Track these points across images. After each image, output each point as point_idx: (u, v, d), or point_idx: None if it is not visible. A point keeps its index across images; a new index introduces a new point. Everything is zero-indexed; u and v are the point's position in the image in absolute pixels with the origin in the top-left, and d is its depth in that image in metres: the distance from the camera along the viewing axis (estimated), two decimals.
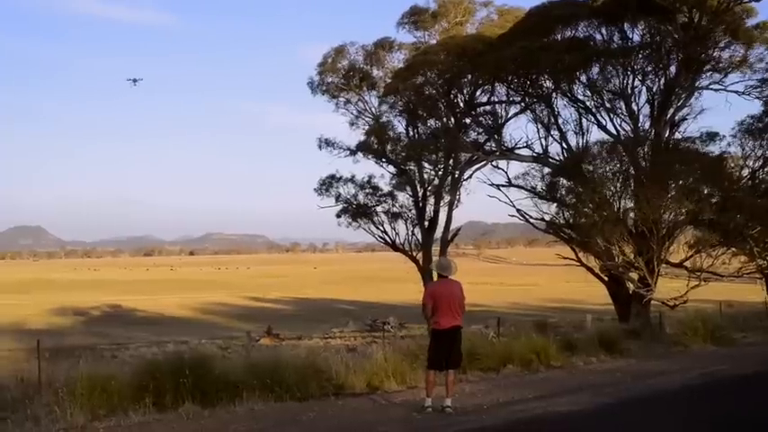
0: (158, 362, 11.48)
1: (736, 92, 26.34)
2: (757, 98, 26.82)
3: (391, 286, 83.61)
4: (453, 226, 32.44)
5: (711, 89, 26.05)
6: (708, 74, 25.86)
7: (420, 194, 32.72)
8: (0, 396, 11.17)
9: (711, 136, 25.80)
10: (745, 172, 26.88)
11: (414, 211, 32.99)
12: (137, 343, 35.52)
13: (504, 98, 29.29)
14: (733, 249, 24.70)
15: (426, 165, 32.46)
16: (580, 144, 26.46)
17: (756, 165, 26.97)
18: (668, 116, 25.20)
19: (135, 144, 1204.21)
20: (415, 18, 33.16)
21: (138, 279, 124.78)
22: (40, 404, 10.34)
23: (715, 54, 25.68)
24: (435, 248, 33.29)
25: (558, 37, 26.01)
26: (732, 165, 26.88)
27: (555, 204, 26.57)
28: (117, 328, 48.48)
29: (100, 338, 39.58)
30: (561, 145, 26.75)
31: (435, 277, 10.99)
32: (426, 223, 32.80)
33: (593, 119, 26.25)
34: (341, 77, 33.41)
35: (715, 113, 28.44)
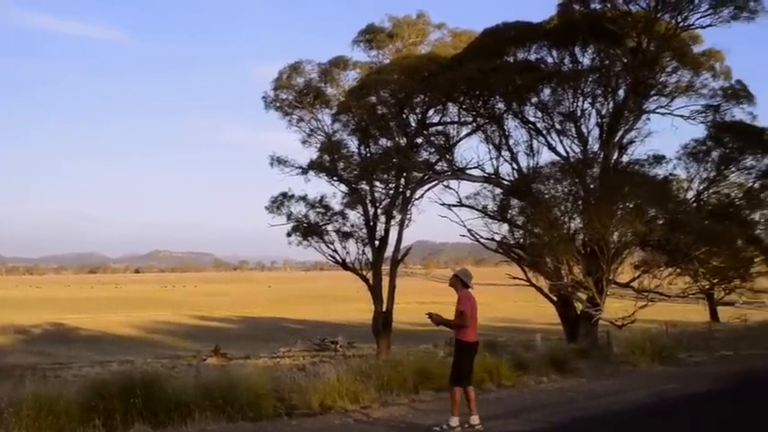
0: (107, 381, 11.18)
1: (681, 116, 26.96)
2: (702, 123, 27.58)
3: (339, 305, 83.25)
4: (403, 245, 32.51)
5: (658, 113, 26.60)
6: (655, 98, 26.41)
7: (371, 214, 32.62)
8: None
9: (658, 159, 26.40)
10: (690, 194, 27.51)
11: (364, 231, 32.86)
12: (80, 362, 34.82)
13: (456, 118, 29.50)
14: (678, 270, 25.10)
15: (378, 184, 32.42)
16: (531, 165, 26.80)
17: (701, 187, 27.65)
18: (616, 139, 25.62)
19: (79, 159, 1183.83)
20: (370, 37, 33.19)
21: (81, 297, 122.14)
22: None
23: (662, 79, 26.26)
24: (385, 267, 33.24)
25: (511, 59, 26.37)
26: (678, 187, 27.47)
27: (506, 224, 26.78)
28: (59, 347, 47.35)
29: (41, 358, 38.64)
30: (512, 166, 27.08)
31: (453, 286, 10.54)
32: (377, 242, 32.71)
33: (543, 140, 26.60)
34: (295, 94, 33.22)
35: (662, 137, 29.11)
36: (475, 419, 10.09)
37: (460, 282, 10.42)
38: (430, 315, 10.24)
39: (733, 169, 28.41)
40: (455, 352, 10.46)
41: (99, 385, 10.98)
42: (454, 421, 10.05)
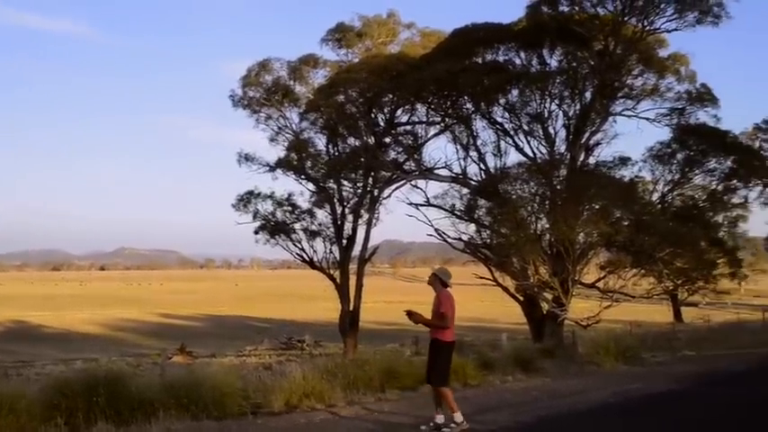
0: (70, 380, 11.02)
1: (647, 119, 27.31)
2: (667, 125, 27.91)
3: (307, 304, 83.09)
4: (371, 244, 32.53)
5: (624, 115, 26.92)
6: (621, 100, 26.73)
7: (339, 212, 32.61)
8: None
9: (624, 161, 26.64)
10: (656, 196, 27.82)
11: (332, 229, 32.84)
12: (43, 360, 34.35)
13: (425, 118, 29.58)
14: (643, 271, 25.35)
15: (346, 183, 32.40)
16: (498, 165, 26.95)
17: (666, 189, 27.97)
18: (583, 140, 25.88)
19: (43, 154, 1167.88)
20: (339, 35, 33.13)
21: (45, 294, 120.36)
22: None
23: (628, 81, 26.58)
24: (352, 266, 33.24)
25: (479, 59, 26.50)
26: (643, 188, 27.78)
27: (473, 224, 26.90)
28: (22, 344, 46.69)
29: (4, 356, 38.01)
30: (479, 166, 27.23)
31: (432, 285, 10.39)
32: (344, 241, 32.69)
33: (510, 141, 26.77)
34: (263, 92, 33.09)
35: (627, 139, 29.45)
36: (440, 418, 10.09)
37: (440, 281, 10.29)
38: (410, 313, 10.13)
39: (697, 172, 28.77)
40: (433, 352, 10.32)
41: (62, 383, 10.83)
42: (458, 417, 9.96)
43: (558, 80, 25.85)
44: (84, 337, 53.73)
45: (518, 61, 26.62)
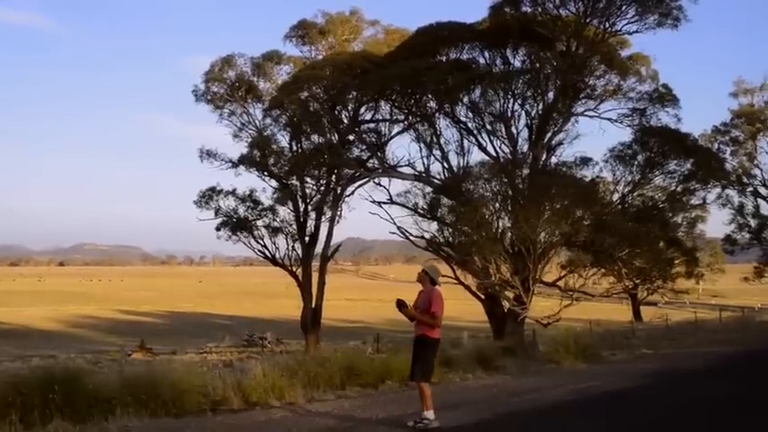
0: (26, 376, 10.86)
1: (609, 119, 27.55)
2: (628, 126, 28.13)
3: (269, 301, 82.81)
4: (333, 242, 32.52)
5: (586, 116, 27.12)
6: (583, 101, 26.91)
7: (301, 209, 32.60)
8: None
9: (585, 161, 26.81)
10: (616, 196, 28.05)
11: (294, 226, 32.83)
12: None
13: (388, 116, 29.60)
14: (603, 270, 25.59)
15: (309, 180, 32.39)
16: (461, 164, 27.02)
17: (626, 189, 28.21)
18: (545, 140, 26.04)
19: (3, 148, 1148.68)
20: (302, 32, 33.14)
21: (2, 290, 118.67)
22: None
23: (591, 82, 26.79)
24: (315, 264, 33.21)
25: (443, 58, 26.55)
26: (604, 189, 28.01)
27: (435, 223, 26.97)
28: None
29: None
30: (443, 164, 27.26)
31: (421, 281, 10.48)
32: (307, 238, 32.69)
33: (474, 140, 26.85)
34: (227, 88, 32.95)
35: (589, 139, 29.67)
36: (431, 414, 10.07)
37: (429, 278, 10.35)
38: (401, 305, 10.11)
39: (657, 173, 29.00)
40: (419, 348, 10.34)
41: (17, 380, 10.66)
42: (430, 414, 10.00)
43: (521, 80, 25.98)
44: (42, 334, 52.91)
45: (482, 61, 26.75)
